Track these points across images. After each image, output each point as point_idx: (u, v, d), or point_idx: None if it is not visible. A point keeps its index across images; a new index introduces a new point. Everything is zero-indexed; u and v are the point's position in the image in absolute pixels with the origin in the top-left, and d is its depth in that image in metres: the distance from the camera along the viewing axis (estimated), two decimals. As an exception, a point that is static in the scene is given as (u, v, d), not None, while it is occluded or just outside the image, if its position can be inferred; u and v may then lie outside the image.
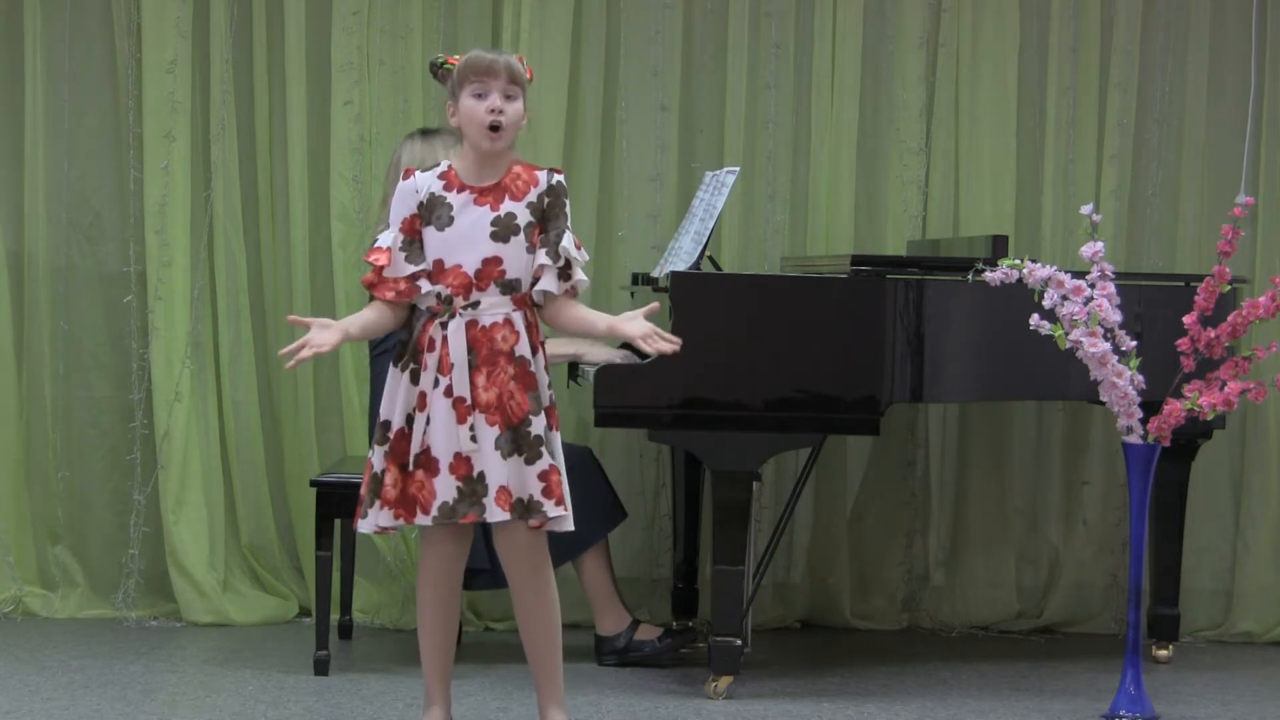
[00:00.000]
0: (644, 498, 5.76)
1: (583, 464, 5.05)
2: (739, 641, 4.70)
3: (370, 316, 3.92)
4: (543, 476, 3.81)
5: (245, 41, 5.70)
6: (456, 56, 3.93)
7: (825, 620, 5.83)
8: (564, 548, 4.79)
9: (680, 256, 5.03)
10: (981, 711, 4.67)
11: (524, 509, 3.81)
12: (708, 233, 4.99)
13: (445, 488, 3.79)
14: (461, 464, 3.79)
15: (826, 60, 5.84)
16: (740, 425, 4.65)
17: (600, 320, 3.92)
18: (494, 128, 3.81)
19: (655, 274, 5.18)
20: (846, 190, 5.83)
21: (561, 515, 3.83)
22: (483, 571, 4.81)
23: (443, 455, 3.80)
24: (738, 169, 5.16)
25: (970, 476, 5.89)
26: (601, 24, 5.79)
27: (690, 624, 5.46)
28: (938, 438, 5.88)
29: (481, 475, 3.78)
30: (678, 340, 3.86)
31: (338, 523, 4.99)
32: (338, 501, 4.89)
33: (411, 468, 3.83)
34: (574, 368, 5.21)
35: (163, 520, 5.58)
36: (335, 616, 5.32)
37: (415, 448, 3.82)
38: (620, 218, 5.79)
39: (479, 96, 3.83)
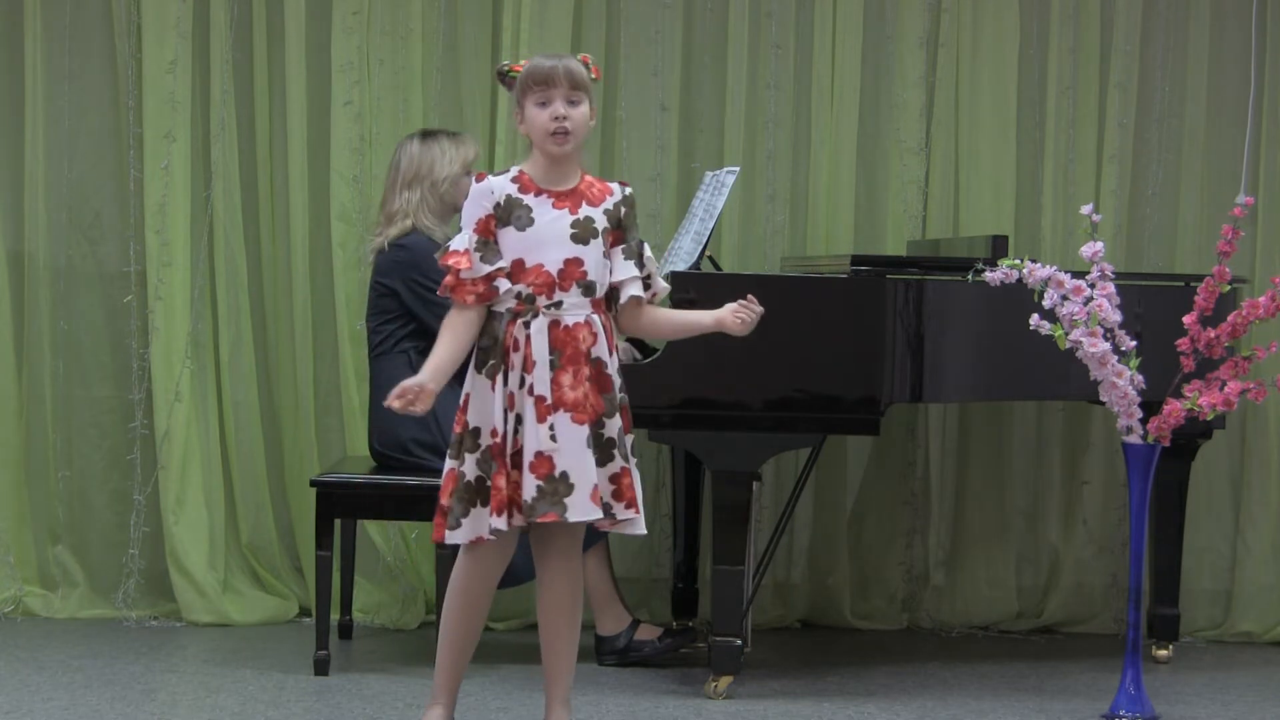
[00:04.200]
0: (644, 498, 5.75)
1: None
2: (739, 641, 4.70)
3: (447, 346, 3.83)
4: (614, 479, 3.84)
5: (245, 41, 5.70)
6: (521, 63, 3.92)
7: (825, 620, 5.83)
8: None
9: (680, 256, 5.03)
10: (981, 711, 4.67)
11: (605, 509, 3.83)
12: (708, 233, 4.99)
13: (528, 486, 3.79)
14: (543, 463, 3.78)
15: (826, 60, 5.85)
16: (740, 425, 4.65)
17: (708, 319, 3.99)
18: (559, 133, 3.82)
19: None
20: (846, 190, 5.83)
21: (632, 518, 3.85)
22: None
23: (528, 454, 3.80)
24: (738, 169, 5.16)
25: (970, 476, 5.89)
26: (601, 24, 5.79)
27: (690, 624, 5.46)
28: (938, 438, 5.88)
29: (565, 475, 3.78)
30: (757, 307, 3.95)
31: (338, 523, 4.99)
32: (338, 501, 4.89)
33: (510, 468, 3.82)
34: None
35: (163, 520, 5.58)
36: (335, 616, 5.31)
37: (510, 448, 3.81)
38: (620, 217, 5.78)
39: (543, 105, 3.83)
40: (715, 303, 4.69)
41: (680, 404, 4.65)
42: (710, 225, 4.99)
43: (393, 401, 3.77)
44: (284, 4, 5.67)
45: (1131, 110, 5.90)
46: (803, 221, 5.86)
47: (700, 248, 4.98)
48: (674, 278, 4.68)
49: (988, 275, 4.54)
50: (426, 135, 5.16)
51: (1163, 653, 5.42)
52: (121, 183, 5.70)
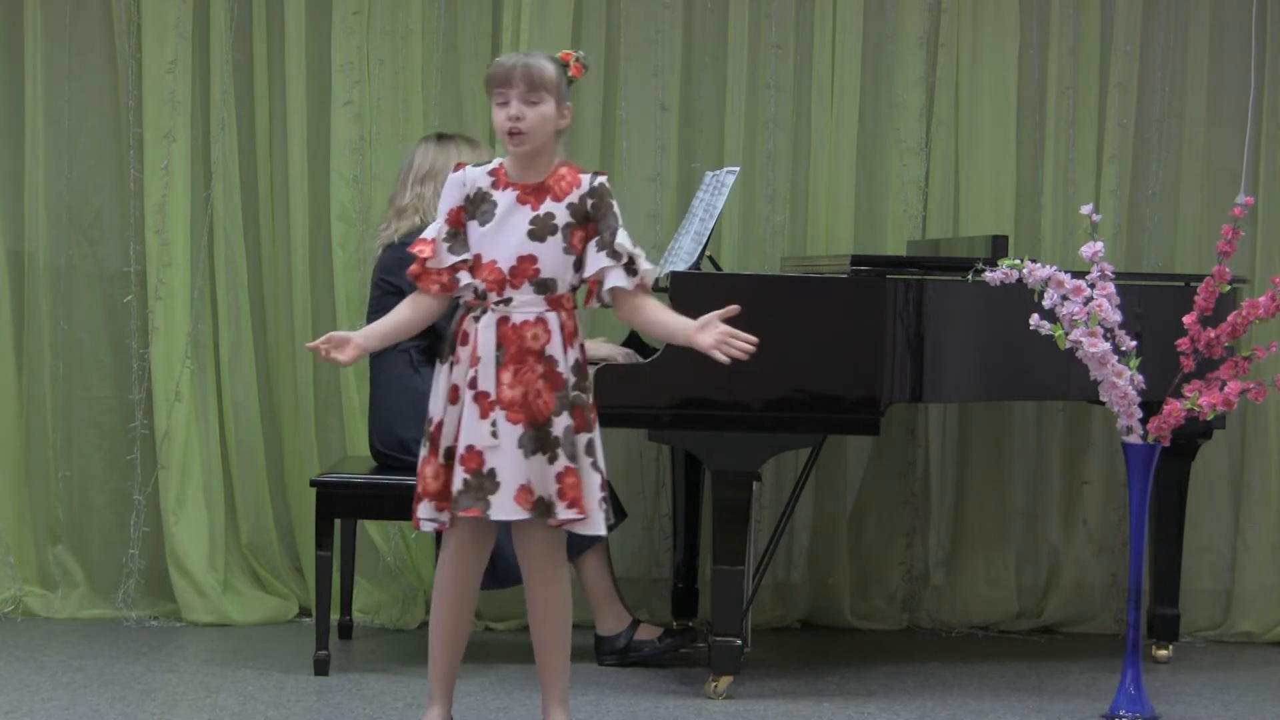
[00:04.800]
0: (644, 498, 5.76)
1: (583, 464, 5.05)
2: (739, 641, 4.70)
3: (399, 317, 3.95)
4: (559, 477, 3.82)
5: (245, 41, 5.70)
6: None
7: (825, 620, 5.83)
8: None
9: (680, 256, 5.03)
10: (981, 711, 4.67)
11: (543, 508, 3.82)
12: (708, 233, 4.99)
13: (456, 479, 3.81)
14: (472, 457, 3.80)
15: (826, 60, 5.84)
16: (740, 425, 4.65)
17: (679, 330, 3.91)
18: (513, 133, 3.83)
19: (655, 274, 5.18)
20: (846, 190, 5.83)
21: (574, 518, 3.83)
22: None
23: (461, 447, 3.82)
24: (738, 169, 5.16)
25: (970, 476, 5.89)
26: (601, 24, 5.79)
27: (690, 624, 5.46)
28: (938, 438, 5.88)
29: (492, 472, 3.79)
30: (753, 340, 3.85)
31: (338, 523, 4.99)
32: (338, 501, 4.89)
33: (443, 460, 3.84)
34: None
35: (163, 520, 5.58)
36: (335, 616, 5.31)
37: (447, 440, 3.83)
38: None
39: (501, 105, 3.85)
40: (715, 303, 4.70)
41: (680, 404, 4.65)
42: (710, 225, 4.99)
43: (315, 343, 3.87)
44: (284, 4, 5.67)
45: (1131, 110, 5.90)
46: (803, 221, 5.86)
47: (700, 248, 4.98)
48: (674, 278, 4.69)
49: (988, 275, 4.53)
50: (443, 137, 5.17)
51: (1163, 653, 5.42)
52: (121, 183, 5.70)
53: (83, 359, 5.71)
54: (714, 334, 3.86)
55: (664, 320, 3.94)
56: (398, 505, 4.87)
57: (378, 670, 4.97)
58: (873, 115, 5.88)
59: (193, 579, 5.54)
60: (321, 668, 4.86)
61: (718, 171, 5.15)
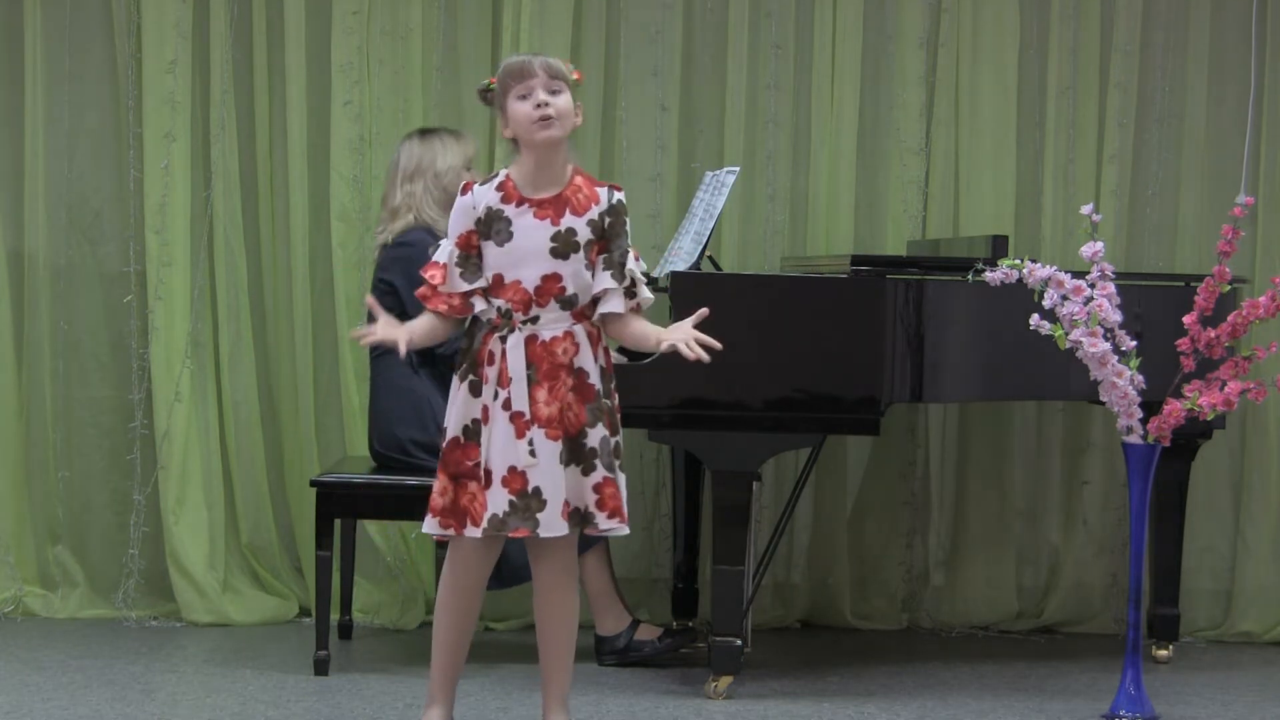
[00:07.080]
0: (644, 498, 5.76)
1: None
2: (739, 641, 4.70)
3: (426, 324, 3.90)
4: (597, 489, 3.82)
5: (245, 41, 5.70)
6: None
7: (825, 620, 5.83)
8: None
9: (680, 256, 5.03)
10: (981, 711, 4.67)
11: (580, 519, 3.82)
12: (708, 233, 4.99)
13: (497, 501, 3.78)
14: (516, 478, 3.78)
15: (826, 60, 5.85)
16: (740, 425, 4.65)
17: (652, 334, 3.89)
18: (544, 119, 3.78)
19: (655, 274, 5.18)
20: (846, 190, 5.83)
21: (614, 527, 3.84)
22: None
23: (497, 469, 3.79)
24: (738, 169, 5.16)
25: (970, 476, 5.89)
26: (601, 24, 5.79)
27: (690, 624, 5.47)
28: (938, 438, 5.88)
29: (537, 490, 3.77)
30: (717, 345, 3.83)
31: (338, 523, 4.99)
32: (338, 501, 4.89)
33: (472, 480, 3.81)
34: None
35: (163, 520, 5.58)
36: (335, 616, 5.31)
37: (485, 462, 3.81)
38: (620, 217, 5.78)
39: (524, 98, 3.81)
40: (715, 303, 4.71)
41: (680, 404, 4.65)
42: (710, 225, 4.99)
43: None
44: (284, 4, 5.68)
45: (1131, 110, 5.90)
46: (803, 221, 5.86)
47: (700, 248, 4.98)
48: (674, 278, 4.69)
49: (988, 275, 4.54)
50: (426, 132, 5.17)
51: (1163, 653, 5.42)
52: (121, 183, 5.70)
53: (83, 359, 5.71)
54: (683, 333, 3.84)
55: (641, 330, 3.91)
56: (397, 505, 4.88)
57: (378, 670, 4.97)
58: (873, 115, 5.88)
59: (193, 579, 5.54)
60: (321, 668, 4.86)
61: (718, 171, 5.15)
